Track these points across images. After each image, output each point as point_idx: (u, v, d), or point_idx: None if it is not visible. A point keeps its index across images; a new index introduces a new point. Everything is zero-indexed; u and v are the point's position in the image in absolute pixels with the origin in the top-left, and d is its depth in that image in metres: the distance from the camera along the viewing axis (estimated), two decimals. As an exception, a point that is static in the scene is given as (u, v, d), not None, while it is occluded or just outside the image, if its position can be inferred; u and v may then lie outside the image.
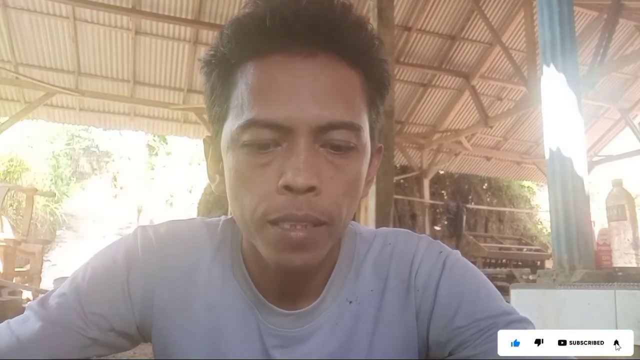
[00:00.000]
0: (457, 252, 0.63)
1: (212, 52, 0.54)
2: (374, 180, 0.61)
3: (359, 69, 0.54)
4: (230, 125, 0.53)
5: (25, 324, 0.57)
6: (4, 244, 4.71)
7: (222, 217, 0.66)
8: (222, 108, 0.54)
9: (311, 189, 0.49)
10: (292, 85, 0.50)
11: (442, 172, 9.62)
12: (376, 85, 0.56)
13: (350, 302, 0.60)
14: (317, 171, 0.49)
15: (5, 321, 0.58)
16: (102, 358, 0.62)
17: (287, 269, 0.53)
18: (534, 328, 0.56)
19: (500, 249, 7.28)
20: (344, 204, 0.52)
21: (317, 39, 0.50)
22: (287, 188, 0.48)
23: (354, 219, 0.62)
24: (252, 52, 0.52)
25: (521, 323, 0.56)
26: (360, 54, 0.53)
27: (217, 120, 0.56)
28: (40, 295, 0.61)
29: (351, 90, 0.53)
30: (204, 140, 0.62)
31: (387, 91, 0.58)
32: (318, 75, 0.51)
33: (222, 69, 0.54)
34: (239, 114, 0.51)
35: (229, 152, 0.53)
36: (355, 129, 0.52)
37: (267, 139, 0.50)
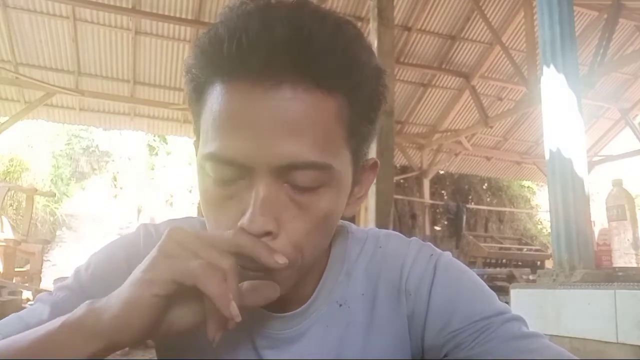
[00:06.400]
0: (449, 253, 0.63)
1: (190, 62, 0.52)
2: (367, 195, 0.60)
3: (338, 94, 0.48)
4: (200, 149, 0.52)
5: (33, 312, 0.57)
6: (4, 244, 4.72)
7: None
8: (196, 125, 0.54)
9: (267, 233, 0.47)
10: (253, 120, 0.46)
11: (442, 172, 9.62)
12: (361, 107, 0.51)
13: (341, 305, 0.60)
14: (275, 214, 0.47)
15: (14, 314, 0.58)
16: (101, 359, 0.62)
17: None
18: (527, 327, 0.56)
19: (500, 249, 7.28)
20: (307, 243, 0.50)
21: (280, 67, 0.45)
22: None
23: (353, 221, 0.61)
24: (217, 76, 0.49)
25: (517, 322, 0.56)
26: (339, 76, 0.47)
27: (194, 131, 0.56)
28: (40, 296, 0.62)
29: (321, 122, 0.48)
30: (193, 144, 0.61)
31: (378, 109, 0.53)
32: (281, 110, 0.46)
33: (195, 85, 0.52)
34: (205, 141, 0.50)
35: (199, 174, 0.52)
36: (321, 168, 0.48)
37: (229, 175, 0.48)
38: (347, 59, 0.47)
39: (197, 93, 0.52)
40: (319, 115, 0.47)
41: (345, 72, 0.48)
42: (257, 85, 0.46)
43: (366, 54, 0.50)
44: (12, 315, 0.58)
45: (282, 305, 0.59)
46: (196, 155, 0.61)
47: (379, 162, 0.61)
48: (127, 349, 2.89)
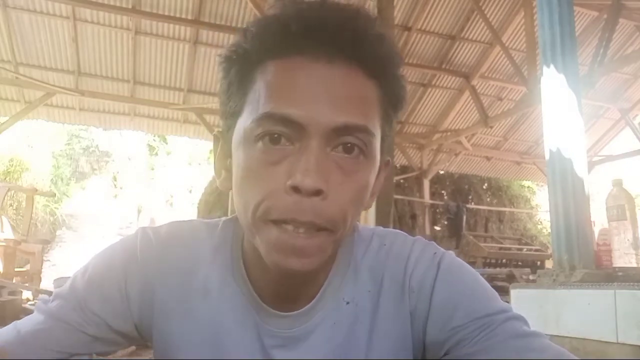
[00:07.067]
0: (452, 252, 0.63)
1: (233, 49, 0.55)
2: (377, 193, 0.61)
3: (377, 82, 0.54)
4: (245, 120, 0.53)
5: (28, 320, 0.59)
6: (4, 244, 4.72)
7: (223, 218, 0.66)
8: (238, 104, 0.55)
9: (318, 192, 0.48)
10: (309, 89, 0.51)
11: (442, 172, 9.62)
12: (392, 100, 0.57)
13: (348, 303, 0.60)
14: (326, 175, 0.49)
15: (14, 322, 0.60)
16: (102, 358, 0.63)
17: (285, 272, 0.52)
18: (528, 326, 0.57)
19: (500, 249, 7.27)
20: (349, 211, 0.52)
21: (339, 47, 0.51)
22: (295, 189, 0.48)
23: (354, 220, 0.62)
24: (274, 53, 0.53)
25: (518, 321, 0.56)
26: (379, 66, 0.54)
27: (231, 116, 0.56)
28: (40, 296, 0.63)
29: (368, 99, 0.54)
30: (214, 135, 0.62)
31: (402, 107, 0.58)
32: (336, 82, 0.51)
33: (241, 65, 0.55)
34: (255, 109, 0.52)
35: (241, 147, 0.53)
36: (368, 134, 0.52)
37: (281, 131, 0.50)
38: (390, 53, 0.55)
39: (243, 73, 0.54)
40: (366, 93, 0.54)
41: (386, 63, 0.55)
42: (315, 60, 0.51)
43: (399, 55, 0.57)
44: (12, 324, 0.59)
45: (289, 302, 0.60)
46: (214, 152, 0.61)
47: (390, 160, 0.63)
48: (133, 348, 2.88)
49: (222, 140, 0.60)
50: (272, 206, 0.50)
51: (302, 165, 0.48)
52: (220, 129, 0.61)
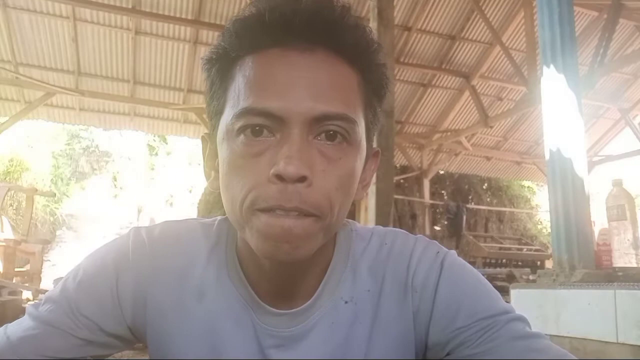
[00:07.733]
0: (454, 252, 0.63)
1: (213, 49, 0.56)
2: (371, 184, 0.61)
3: (356, 69, 0.55)
4: (227, 116, 0.53)
5: (18, 325, 0.58)
6: (4, 244, 4.71)
7: (218, 217, 0.66)
8: (220, 101, 0.55)
9: (302, 178, 0.48)
10: (288, 78, 0.51)
11: (442, 172, 9.62)
12: (373, 86, 0.57)
13: (346, 302, 0.60)
14: (309, 162, 0.49)
15: (5, 325, 0.59)
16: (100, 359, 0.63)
17: (276, 259, 0.52)
18: (530, 327, 0.57)
19: (500, 249, 7.28)
20: (335, 199, 0.51)
21: (315, 35, 0.51)
22: (278, 177, 0.48)
23: (353, 219, 0.62)
24: (251, 46, 0.53)
25: (520, 322, 0.56)
26: (357, 53, 0.54)
27: (215, 115, 0.56)
28: (40, 296, 0.63)
29: (347, 86, 0.54)
30: (202, 137, 0.62)
31: (385, 93, 0.58)
32: (314, 69, 0.51)
33: (221, 64, 0.55)
34: (235, 104, 0.52)
35: (224, 143, 0.53)
36: (349, 121, 0.52)
37: (261, 123, 0.50)
38: (367, 40, 0.55)
39: (223, 72, 0.55)
40: (345, 79, 0.54)
41: (364, 49, 0.55)
42: (291, 49, 0.51)
43: (377, 43, 0.57)
44: (1, 329, 0.59)
45: (286, 300, 0.59)
46: (203, 155, 0.61)
47: (380, 151, 0.62)
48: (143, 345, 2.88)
49: (209, 141, 0.60)
50: (258, 196, 0.50)
51: (284, 153, 0.48)
52: (207, 132, 0.61)
